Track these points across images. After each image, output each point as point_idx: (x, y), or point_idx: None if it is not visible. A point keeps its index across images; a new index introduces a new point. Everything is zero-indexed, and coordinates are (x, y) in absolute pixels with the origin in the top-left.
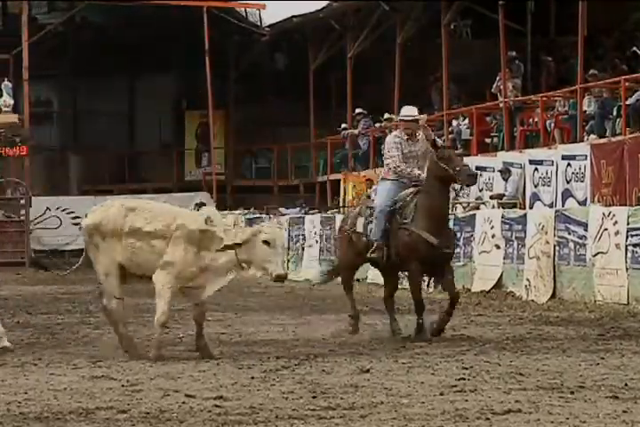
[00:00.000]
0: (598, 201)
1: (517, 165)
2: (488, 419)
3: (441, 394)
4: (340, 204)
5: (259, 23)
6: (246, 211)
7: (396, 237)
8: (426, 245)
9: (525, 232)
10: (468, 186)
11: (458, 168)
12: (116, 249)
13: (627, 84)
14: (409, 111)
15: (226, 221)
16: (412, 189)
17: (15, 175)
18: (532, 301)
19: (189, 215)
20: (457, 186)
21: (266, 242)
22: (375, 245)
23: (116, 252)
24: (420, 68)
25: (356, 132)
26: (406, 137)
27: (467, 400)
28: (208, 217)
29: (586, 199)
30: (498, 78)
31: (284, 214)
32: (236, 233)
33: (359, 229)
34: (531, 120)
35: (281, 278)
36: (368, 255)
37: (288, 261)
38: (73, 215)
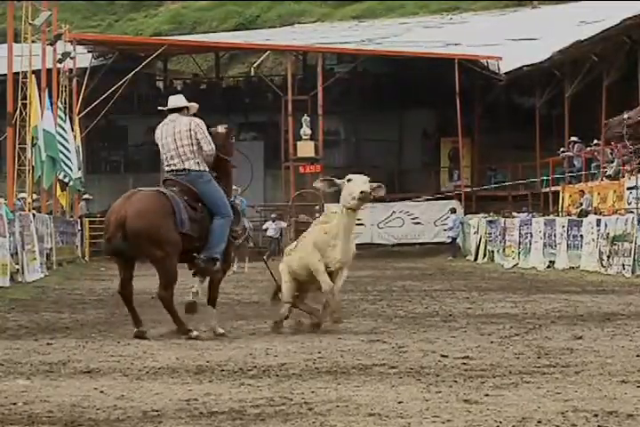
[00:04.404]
0: None
1: None
2: None
3: (637, 356)
4: (559, 209)
5: (497, 71)
6: (486, 214)
7: None
8: None
9: None
10: None
11: None
12: None
13: None
14: None
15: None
16: None
17: (310, 188)
18: None
19: None
20: None
21: None
22: None
23: None
24: (620, 104)
25: (571, 154)
26: None
27: None
28: None
29: None
30: None
31: (515, 217)
32: None
33: None
34: None
35: None
36: None
37: (519, 253)
38: None
